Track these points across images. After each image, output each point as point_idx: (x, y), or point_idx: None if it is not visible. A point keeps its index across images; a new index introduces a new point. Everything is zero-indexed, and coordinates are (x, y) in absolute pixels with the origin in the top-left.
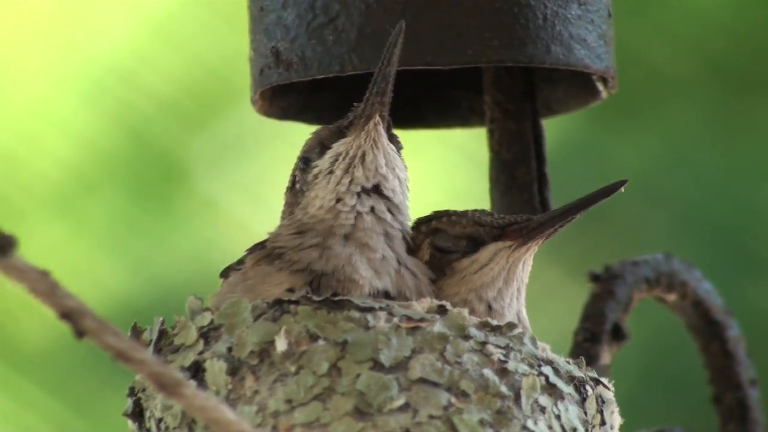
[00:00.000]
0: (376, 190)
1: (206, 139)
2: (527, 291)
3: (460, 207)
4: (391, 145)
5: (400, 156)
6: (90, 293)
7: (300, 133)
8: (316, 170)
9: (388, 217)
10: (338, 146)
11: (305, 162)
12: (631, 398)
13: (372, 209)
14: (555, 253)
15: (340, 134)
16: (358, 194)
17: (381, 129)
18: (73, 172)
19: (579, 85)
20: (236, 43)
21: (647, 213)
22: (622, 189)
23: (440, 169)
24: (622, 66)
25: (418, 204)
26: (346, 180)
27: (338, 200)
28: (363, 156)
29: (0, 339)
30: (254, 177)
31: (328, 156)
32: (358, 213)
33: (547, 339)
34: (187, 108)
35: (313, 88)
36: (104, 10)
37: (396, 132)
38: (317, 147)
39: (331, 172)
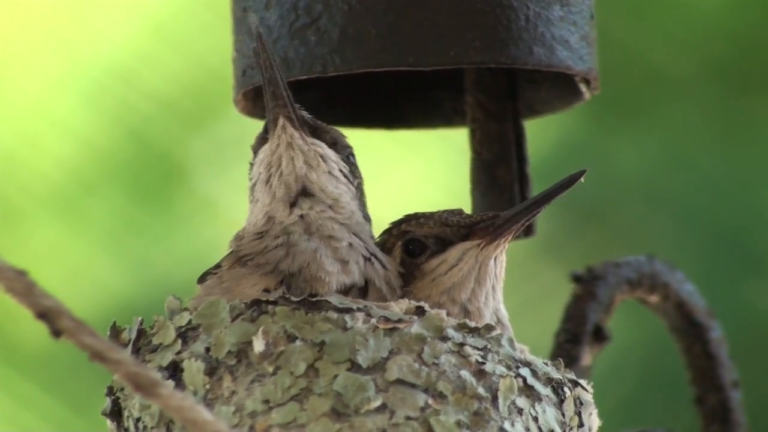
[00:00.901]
0: (304, 192)
1: (206, 140)
2: (527, 291)
3: (458, 206)
4: (314, 140)
5: (340, 147)
6: (90, 293)
7: None
8: (251, 182)
9: (329, 213)
10: (261, 154)
11: (249, 170)
12: (616, 400)
13: (309, 209)
14: (555, 253)
15: (264, 141)
16: (290, 204)
17: (291, 130)
18: (73, 172)
19: (562, 86)
20: None
21: (647, 213)
22: (582, 179)
23: (440, 168)
24: (622, 66)
25: (417, 204)
26: (269, 195)
27: (269, 217)
28: (279, 162)
29: None
30: None
31: (255, 165)
32: (300, 216)
33: (544, 340)
34: (187, 108)
35: (295, 89)
36: (104, 11)
37: (382, 132)
38: (253, 155)
39: (255, 184)
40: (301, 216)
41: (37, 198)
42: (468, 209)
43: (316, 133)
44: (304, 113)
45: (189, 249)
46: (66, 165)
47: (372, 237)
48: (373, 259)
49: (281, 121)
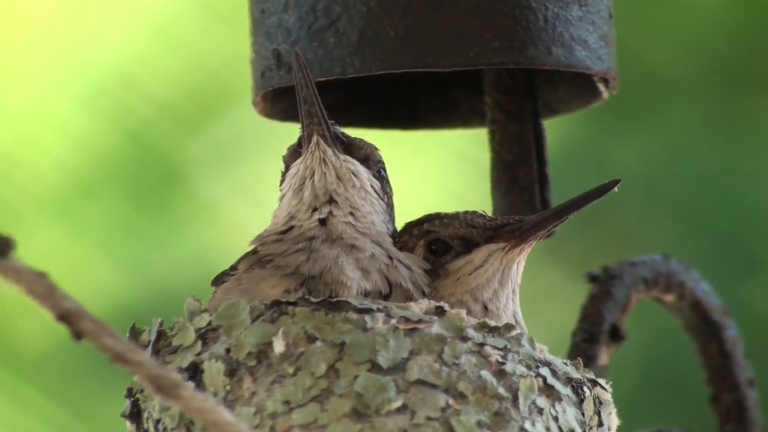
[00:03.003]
0: (330, 201)
1: (205, 142)
2: (527, 291)
3: (458, 209)
4: (346, 157)
5: (372, 163)
6: (89, 296)
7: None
8: (281, 193)
9: (351, 219)
10: (293, 167)
11: (281, 182)
12: (630, 399)
13: (328, 215)
14: (555, 253)
15: (297, 155)
16: (312, 208)
17: (325, 146)
18: (72, 174)
19: (580, 86)
20: (235, 46)
21: (647, 214)
22: (616, 189)
23: (438, 171)
24: (621, 66)
25: (416, 206)
26: (295, 201)
27: (292, 218)
28: (312, 174)
29: None
30: (253, 179)
31: (287, 178)
32: (320, 220)
33: (546, 339)
34: (186, 111)
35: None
36: (103, 13)
37: (395, 133)
38: (285, 168)
39: (290, 191)
40: (321, 220)
41: (36, 200)
42: (459, 211)
43: (348, 149)
44: (338, 129)
45: (188, 251)
46: (65, 167)
47: (393, 245)
48: (395, 261)
49: (315, 138)
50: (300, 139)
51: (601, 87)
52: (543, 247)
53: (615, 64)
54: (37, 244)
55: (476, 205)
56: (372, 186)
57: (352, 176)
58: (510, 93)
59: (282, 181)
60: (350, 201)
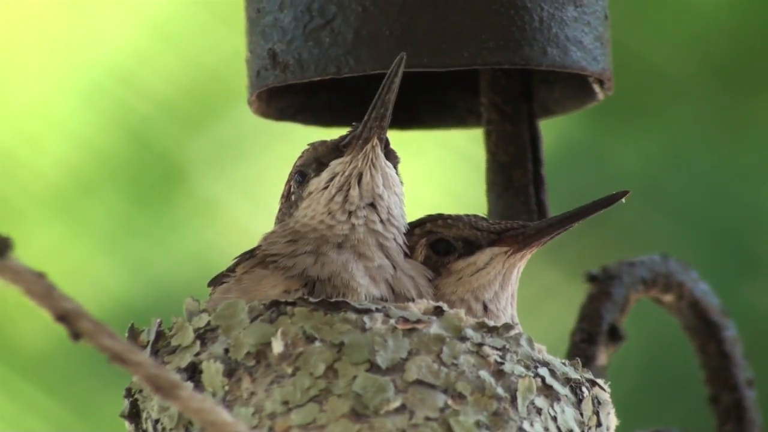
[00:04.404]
0: (371, 206)
1: (205, 140)
2: (527, 291)
3: (458, 209)
4: (389, 164)
5: (397, 171)
6: (89, 294)
7: (300, 135)
8: (311, 187)
9: (380, 227)
10: (335, 165)
11: (301, 175)
12: (629, 399)
13: (365, 221)
14: (554, 253)
15: (338, 153)
16: (351, 211)
17: (379, 151)
18: (73, 172)
19: (576, 87)
20: (235, 44)
21: (646, 214)
22: (623, 200)
23: (439, 171)
24: (621, 67)
25: (416, 206)
26: (339, 198)
27: (330, 215)
28: (360, 176)
29: None
30: (253, 178)
31: (325, 175)
32: (353, 225)
33: (545, 340)
34: (186, 109)
35: (310, 90)
36: (103, 12)
37: (393, 133)
38: (314, 163)
39: (326, 188)
40: (353, 226)
41: (37, 198)
42: (466, 210)
43: (387, 156)
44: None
45: (188, 250)
46: (65, 165)
47: (401, 253)
48: (399, 272)
49: (375, 141)
50: (348, 137)
51: (597, 88)
52: (543, 247)
53: (610, 64)
54: (37, 243)
55: (477, 205)
56: (403, 194)
57: (394, 183)
58: (506, 93)
59: (302, 174)
60: (389, 208)
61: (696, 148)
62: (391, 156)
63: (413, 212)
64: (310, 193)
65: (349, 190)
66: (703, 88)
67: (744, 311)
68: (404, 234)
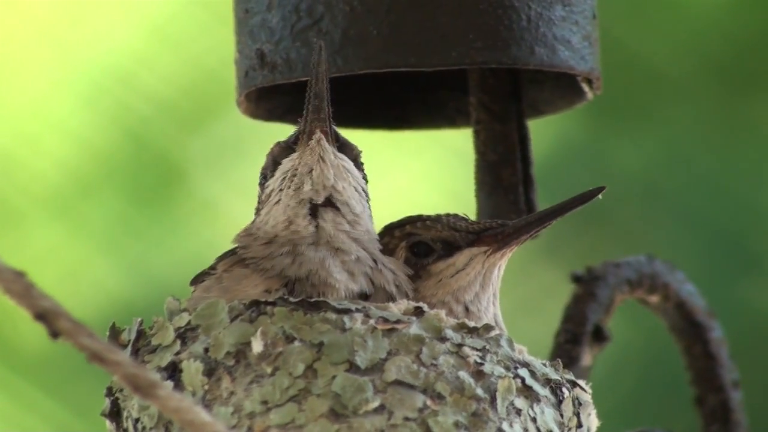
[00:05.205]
0: (329, 203)
1: (204, 141)
2: (525, 291)
3: (457, 209)
4: (342, 156)
5: (359, 164)
6: (88, 295)
7: None
8: (269, 189)
9: (347, 227)
10: (286, 163)
11: (263, 177)
12: (615, 400)
13: (331, 221)
14: (553, 253)
15: (289, 151)
16: (311, 211)
17: (325, 143)
18: (72, 173)
19: (565, 86)
20: (233, 45)
21: (646, 213)
22: (600, 196)
23: (437, 171)
24: (621, 67)
25: (415, 206)
26: (294, 202)
27: (290, 223)
28: (310, 171)
29: None
30: (252, 178)
31: (278, 173)
32: (318, 225)
33: (545, 340)
34: (185, 109)
35: (298, 90)
36: (102, 12)
37: (383, 133)
38: (271, 164)
39: (281, 190)
40: (317, 227)
41: (36, 199)
42: (465, 211)
43: (342, 149)
44: (335, 128)
45: (187, 250)
46: (64, 166)
47: (378, 248)
48: (380, 265)
49: (318, 134)
50: (295, 135)
51: (585, 87)
52: (541, 246)
53: (599, 64)
54: (36, 243)
55: (475, 205)
56: (362, 187)
57: (348, 175)
58: (494, 93)
59: (264, 176)
60: (349, 205)
61: (695, 148)
62: (346, 149)
63: (413, 212)
64: (269, 196)
65: (302, 185)
66: (703, 88)
67: (744, 311)
68: (376, 234)
